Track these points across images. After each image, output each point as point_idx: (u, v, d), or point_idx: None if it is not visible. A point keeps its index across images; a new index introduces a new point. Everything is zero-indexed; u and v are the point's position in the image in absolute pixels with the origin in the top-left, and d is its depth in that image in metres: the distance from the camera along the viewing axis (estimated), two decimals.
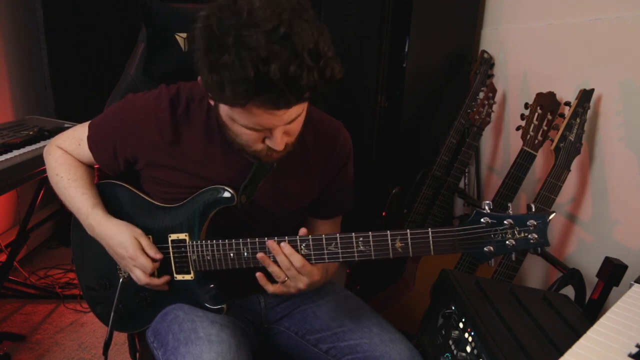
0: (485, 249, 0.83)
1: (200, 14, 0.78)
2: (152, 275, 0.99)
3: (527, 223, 0.81)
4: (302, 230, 0.91)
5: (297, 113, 0.84)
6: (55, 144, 1.11)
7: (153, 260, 0.98)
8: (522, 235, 0.82)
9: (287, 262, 0.90)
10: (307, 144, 1.03)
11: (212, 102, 0.91)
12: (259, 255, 0.91)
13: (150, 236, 1.02)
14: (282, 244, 0.90)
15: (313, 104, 0.99)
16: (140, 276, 0.98)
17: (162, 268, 1.01)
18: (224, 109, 0.86)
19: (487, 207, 0.83)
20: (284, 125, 0.85)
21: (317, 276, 0.93)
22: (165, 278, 1.01)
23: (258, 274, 0.93)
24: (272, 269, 0.92)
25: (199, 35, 0.77)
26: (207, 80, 0.78)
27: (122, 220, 1.02)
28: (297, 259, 0.89)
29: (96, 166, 1.11)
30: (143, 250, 0.98)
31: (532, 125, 1.35)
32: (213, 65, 0.75)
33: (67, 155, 1.09)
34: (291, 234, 0.92)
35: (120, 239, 0.98)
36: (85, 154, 1.06)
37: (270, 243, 0.90)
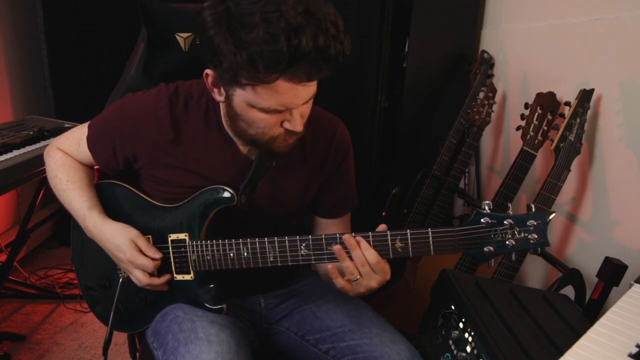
0: (485, 249, 0.83)
1: (207, 3, 0.79)
2: (152, 275, 0.99)
3: (527, 223, 0.81)
4: (382, 227, 0.89)
5: (314, 90, 0.86)
6: (55, 145, 1.11)
7: (152, 259, 0.98)
8: (522, 235, 0.82)
9: (362, 258, 0.87)
10: (305, 140, 1.03)
11: (219, 98, 0.91)
12: (336, 247, 0.87)
13: (150, 236, 1.01)
14: (358, 237, 0.87)
15: (313, 101, 0.99)
16: (140, 277, 0.98)
17: (162, 268, 1.00)
18: (241, 97, 0.85)
19: (487, 207, 0.83)
20: (300, 106, 0.86)
21: (388, 275, 0.90)
22: (165, 277, 1.00)
23: (331, 266, 0.89)
24: (347, 264, 0.88)
25: (212, 21, 0.78)
26: (233, 61, 0.77)
27: (119, 222, 1.01)
28: (372, 255, 0.87)
29: (96, 167, 1.11)
30: (141, 251, 0.98)
31: (532, 125, 1.35)
32: (241, 43, 0.75)
33: (66, 157, 1.09)
34: (291, 233, 0.92)
35: (116, 242, 0.98)
36: (85, 154, 1.06)
37: (347, 237, 0.87)
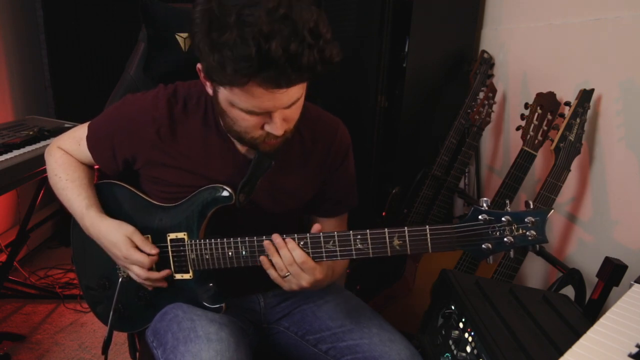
0: (483, 245, 0.83)
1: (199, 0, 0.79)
2: (151, 270, 0.99)
3: (525, 220, 0.81)
4: (316, 227, 0.91)
5: (296, 96, 0.84)
6: (56, 144, 1.12)
7: (148, 255, 0.98)
8: (520, 232, 0.82)
9: (289, 257, 0.89)
10: (304, 140, 1.03)
11: (210, 92, 0.91)
12: (265, 242, 0.90)
13: (149, 235, 1.01)
14: (287, 238, 0.90)
15: (313, 101, 0.98)
16: (138, 272, 0.98)
17: (161, 267, 1.01)
18: (223, 94, 0.86)
19: (484, 204, 0.83)
20: (283, 110, 0.85)
21: (320, 274, 0.91)
22: (165, 272, 1.00)
23: (262, 257, 0.92)
24: (276, 259, 0.90)
25: (199, 18, 0.78)
26: (208, 61, 0.78)
27: (116, 220, 1.01)
28: (299, 255, 0.89)
29: (96, 167, 1.11)
30: (137, 247, 0.98)
31: (532, 125, 1.35)
32: (214, 44, 0.75)
33: (67, 156, 1.09)
34: (290, 232, 0.92)
35: (112, 239, 0.98)
36: (85, 154, 1.07)
37: (275, 236, 0.90)
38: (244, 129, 0.88)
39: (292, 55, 0.74)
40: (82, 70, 2.42)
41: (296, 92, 0.83)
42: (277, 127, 0.86)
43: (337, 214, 1.14)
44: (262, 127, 0.88)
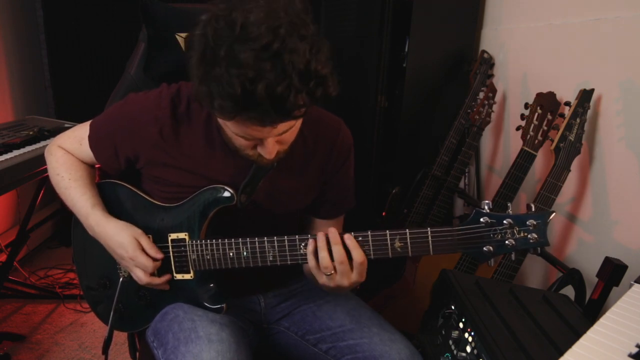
0: (484, 248, 0.83)
1: (201, 18, 0.78)
2: (152, 274, 0.99)
3: (527, 223, 0.81)
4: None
5: (288, 127, 0.84)
6: (56, 143, 1.11)
7: (154, 259, 0.98)
8: (522, 235, 0.82)
9: (343, 255, 0.86)
10: (307, 141, 1.03)
11: None
12: (319, 234, 0.88)
13: (151, 236, 1.02)
14: (346, 235, 0.87)
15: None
16: (141, 276, 0.98)
17: (162, 267, 1.01)
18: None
19: (486, 207, 0.83)
20: (276, 136, 0.85)
21: (364, 277, 0.90)
22: (166, 277, 1.01)
23: (311, 240, 0.89)
24: (323, 254, 0.87)
25: (196, 42, 0.78)
26: (197, 89, 0.79)
27: (122, 221, 1.01)
28: (359, 255, 0.86)
29: (97, 166, 1.11)
30: (143, 250, 0.98)
31: (532, 125, 1.35)
32: (203, 77, 0.76)
33: (68, 155, 1.09)
34: (291, 233, 0.92)
35: (120, 239, 0.98)
36: (87, 153, 1.07)
37: (333, 230, 0.87)
38: (238, 146, 0.90)
39: (277, 99, 0.73)
40: (82, 70, 2.42)
41: (286, 125, 0.83)
42: (268, 152, 0.86)
43: (336, 216, 1.14)
44: (254, 148, 0.89)
